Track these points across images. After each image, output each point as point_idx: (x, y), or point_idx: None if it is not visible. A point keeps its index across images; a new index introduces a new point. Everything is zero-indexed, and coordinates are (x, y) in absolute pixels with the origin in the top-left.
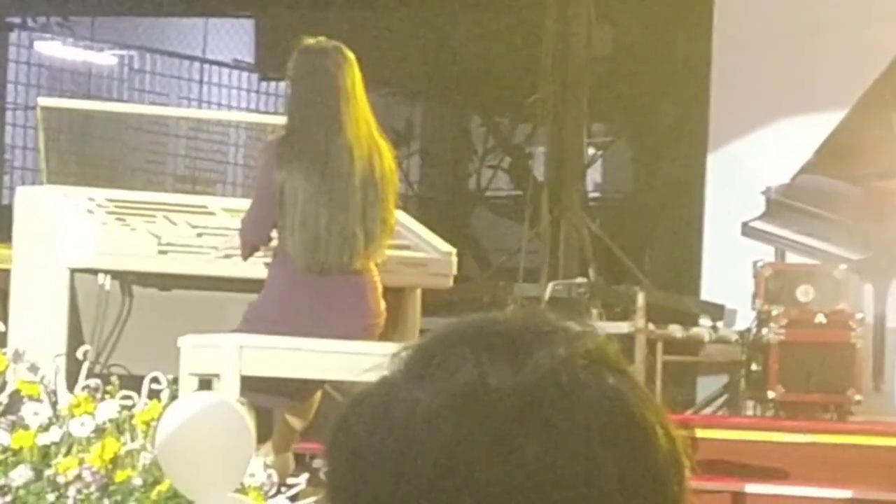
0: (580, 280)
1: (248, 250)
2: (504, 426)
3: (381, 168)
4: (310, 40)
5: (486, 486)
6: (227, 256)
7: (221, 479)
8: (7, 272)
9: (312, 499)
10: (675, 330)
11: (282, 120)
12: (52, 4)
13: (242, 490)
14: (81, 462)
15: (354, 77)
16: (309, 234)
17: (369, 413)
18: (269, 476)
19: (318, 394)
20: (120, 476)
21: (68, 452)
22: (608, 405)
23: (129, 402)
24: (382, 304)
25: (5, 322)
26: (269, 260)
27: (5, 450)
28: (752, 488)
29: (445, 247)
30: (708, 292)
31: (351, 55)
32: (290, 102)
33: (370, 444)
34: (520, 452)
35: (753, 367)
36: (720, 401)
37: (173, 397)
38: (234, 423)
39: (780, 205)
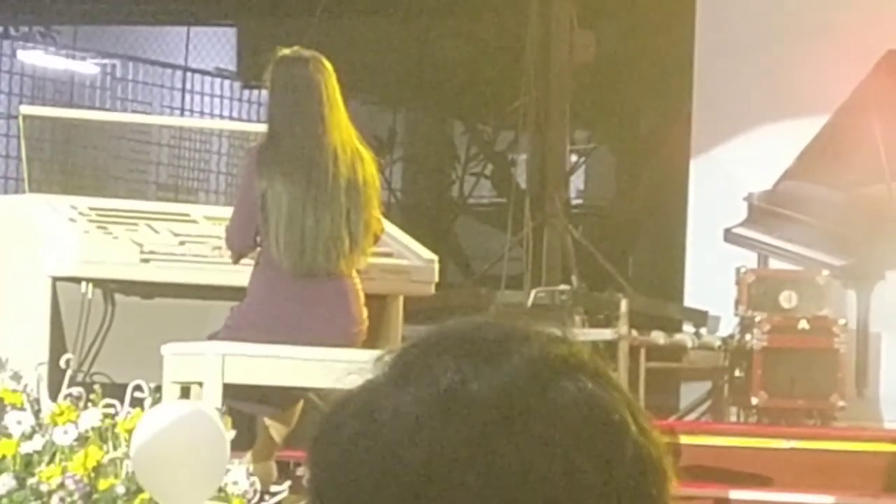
0: (563, 287)
1: (235, 258)
2: (484, 431)
3: (363, 173)
4: (286, 50)
5: (468, 490)
6: (221, 256)
7: (197, 487)
8: None
9: None
10: (658, 336)
11: (264, 128)
12: (35, 13)
13: (223, 498)
14: (64, 470)
15: (334, 85)
16: (295, 237)
17: (353, 418)
18: (252, 484)
19: (301, 402)
20: (103, 484)
21: (51, 461)
22: (586, 410)
23: (111, 411)
24: (365, 312)
25: None
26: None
27: None
28: (735, 494)
29: (428, 254)
30: (691, 299)
31: (328, 65)
32: (272, 111)
33: (354, 449)
34: (500, 457)
35: (737, 373)
36: (703, 407)
37: (156, 405)
38: (209, 431)
39: (762, 211)
